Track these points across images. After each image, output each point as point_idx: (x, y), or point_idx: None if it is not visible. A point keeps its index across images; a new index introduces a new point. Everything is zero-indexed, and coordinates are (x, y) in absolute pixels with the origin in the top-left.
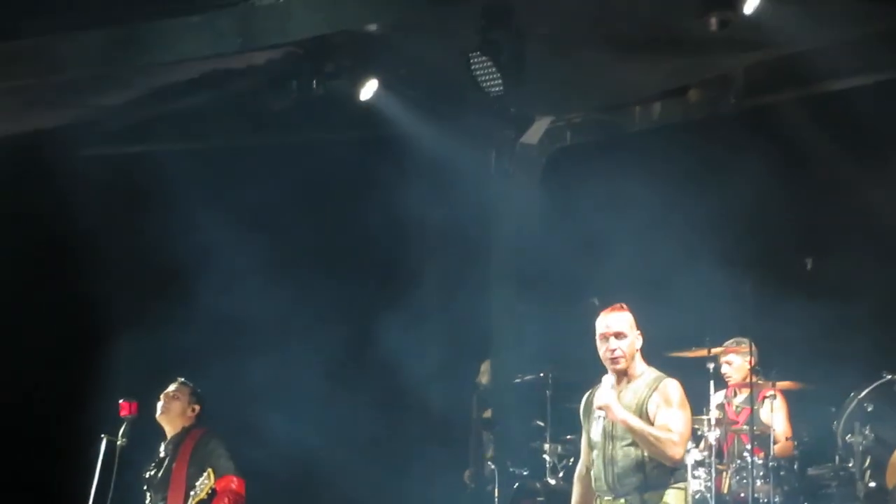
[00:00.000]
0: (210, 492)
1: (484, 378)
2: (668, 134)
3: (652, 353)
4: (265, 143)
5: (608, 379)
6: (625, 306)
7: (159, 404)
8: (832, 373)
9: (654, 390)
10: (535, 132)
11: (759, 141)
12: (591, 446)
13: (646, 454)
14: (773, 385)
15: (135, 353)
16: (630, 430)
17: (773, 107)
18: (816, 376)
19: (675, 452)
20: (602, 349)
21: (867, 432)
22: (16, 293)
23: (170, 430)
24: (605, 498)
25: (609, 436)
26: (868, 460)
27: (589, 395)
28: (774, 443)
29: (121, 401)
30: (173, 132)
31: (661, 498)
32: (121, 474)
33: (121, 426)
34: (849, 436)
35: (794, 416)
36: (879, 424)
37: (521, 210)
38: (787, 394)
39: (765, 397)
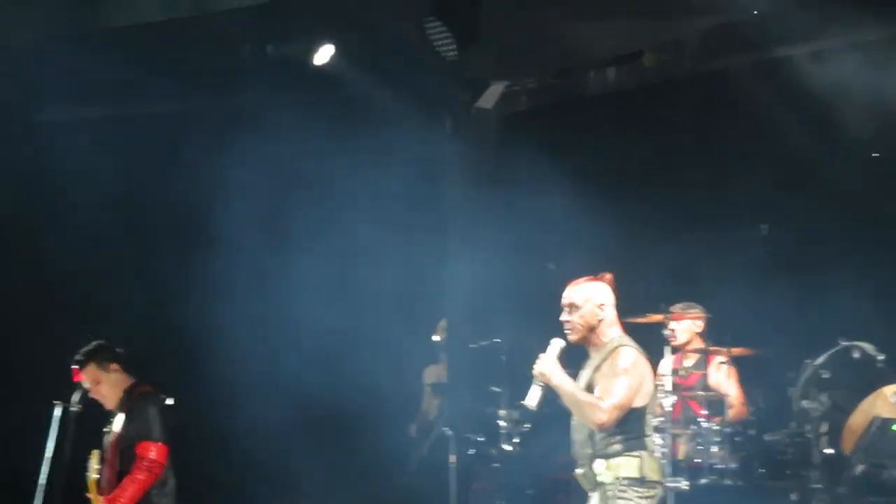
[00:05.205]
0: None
1: (441, 334)
2: (623, 98)
3: None
4: (220, 106)
5: (556, 344)
6: (583, 280)
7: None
8: (787, 341)
9: (606, 358)
10: (490, 97)
11: (714, 106)
12: None
13: None
14: (729, 351)
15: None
16: (561, 394)
17: (727, 72)
18: (771, 344)
19: (598, 417)
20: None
21: (823, 399)
22: None
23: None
24: (576, 468)
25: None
26: (824, 426)
27: None
28: (728, 408)
29: (73, 366)
30: (124, 96)
31: (610, 467)
32: (76, 441)
33: (74, 391)
34: (805, 402)
35: (748, 383)
36: (835, 391)
37: (475, 174)
38: (741, 360)
39: (721, 363)
